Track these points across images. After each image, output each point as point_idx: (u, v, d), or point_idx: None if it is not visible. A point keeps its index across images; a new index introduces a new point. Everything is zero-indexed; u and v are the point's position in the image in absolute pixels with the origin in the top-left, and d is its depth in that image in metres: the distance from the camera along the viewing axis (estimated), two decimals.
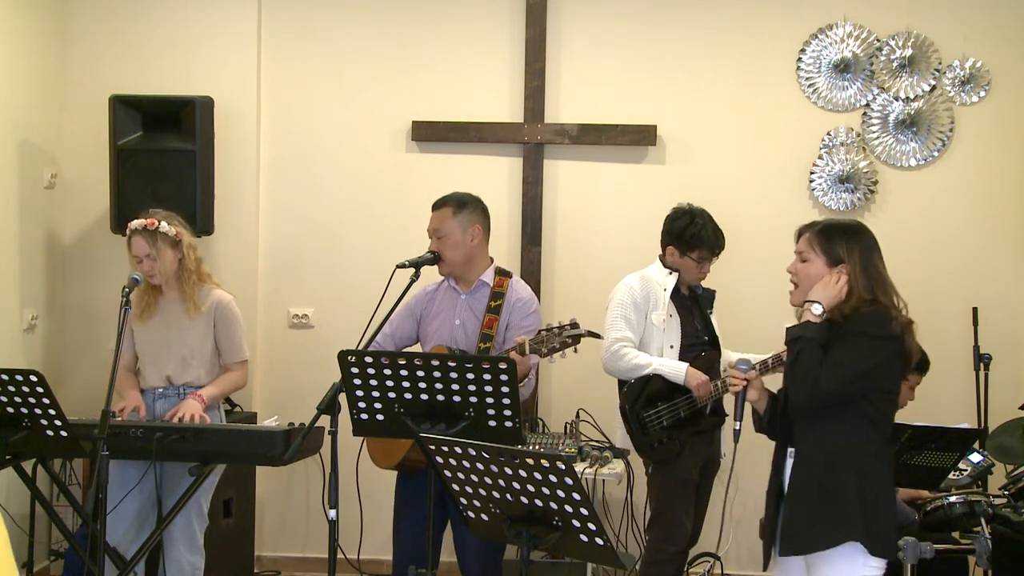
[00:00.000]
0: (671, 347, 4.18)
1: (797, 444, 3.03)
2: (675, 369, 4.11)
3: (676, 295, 4.25)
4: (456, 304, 3.87)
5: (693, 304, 4.34)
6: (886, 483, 3.02)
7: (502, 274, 3.90)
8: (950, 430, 3.81)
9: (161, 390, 4.03)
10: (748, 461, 3.57)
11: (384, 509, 3.92)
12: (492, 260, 3.94)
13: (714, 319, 4.39)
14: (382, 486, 3.98)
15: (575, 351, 3.58)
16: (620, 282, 4.28)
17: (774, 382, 3.27)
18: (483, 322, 3.79)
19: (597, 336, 3.74)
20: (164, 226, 3.96)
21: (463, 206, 3.86)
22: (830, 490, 2.93)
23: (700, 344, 4.27)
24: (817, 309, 2.99)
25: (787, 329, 3.09)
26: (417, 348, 3.95)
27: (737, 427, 3.09)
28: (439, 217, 3.84)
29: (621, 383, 4.22)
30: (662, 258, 4.31)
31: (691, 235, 4.19)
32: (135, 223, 3.99)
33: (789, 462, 3.06)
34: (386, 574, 4.59)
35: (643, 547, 4.51)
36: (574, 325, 3.51)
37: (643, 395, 4.11)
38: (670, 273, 4.25)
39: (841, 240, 3.06)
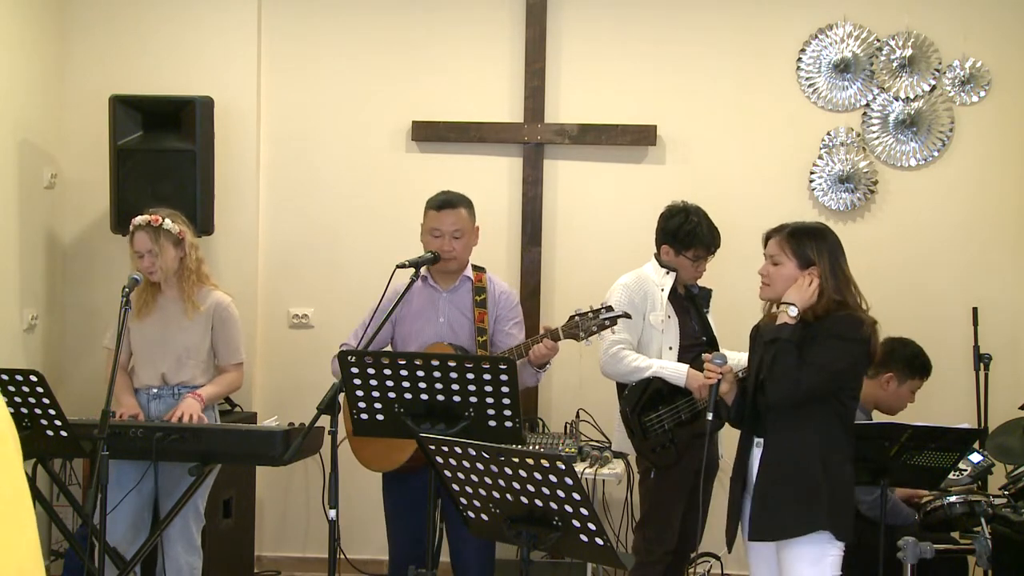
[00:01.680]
0: (670, 348, 4.13)
1: (768, 436, 3.21)
2: (676, 371, 4.07)
3: (673, 295, 4.19)
4: (438, 302, 3.84)
5: (690, 304, 4.29)
6: (850, 474, 3.21)
7: (478, 269, 3.91)
8: (950, 430, 3.81)
9: (156, 390, 4.02)
10: None
11: (381, 508, 3.92)
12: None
13: (711, 318, 4.35)
14: (379, 485, 3.97)
15: (613, 332, 3.75)
16: (616, 282, 4.23)
17: None
18: (475, 317, 3.79)
19: (629, 316, 3.77)
20: (168, 223, 3.97)
21: (470, 205, 3.88)
22: (803, 482, 3.12)
23: (698, 344, 4.22)
24: (793, 311, 3.16)
25: (759, 328, 3.30)
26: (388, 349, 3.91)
27: (709, 417, 3.24)
28: (459, 217, 3.81)
29: (620, 387, 4.16)
30: (657, 257, 4.26)
31: (686, 233, 4.15)
32: (139, 219, 4.00)
33: (756, 452, 3.24)
34: (383, 574, 4.59)
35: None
36: (609, 308, 3.61)
37: (644, 399, 4.06)
38: (667, 273, 4.20)
39: (811, 243, 3.23)
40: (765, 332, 3.22)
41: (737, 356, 4.32)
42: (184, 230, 4.03)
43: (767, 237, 3.35)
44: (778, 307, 3.23)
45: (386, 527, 3.87)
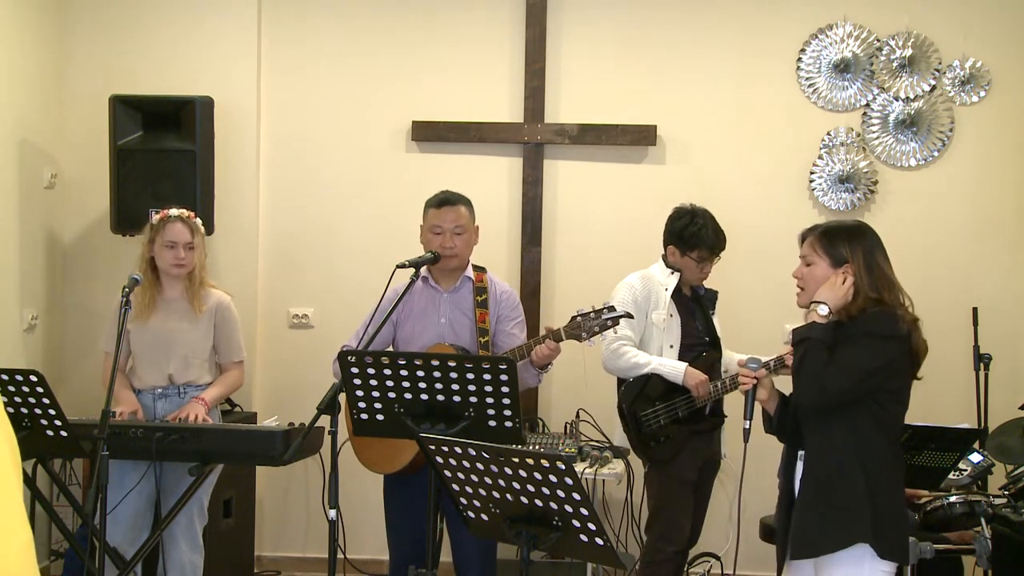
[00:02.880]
0: (671, 347, 4.19)
1: (807, 448, 3.03)
2: (674, 369, 4.11)
3: (678, 295, 4.25)
4: (439, 302, 3.84)
5: (695, 304, 4.34)
6: (895, 485, 3.02)
7: (479, 269, 3.91)
8: (950, 430, 3.81)
9: (161, 390, 4.03)
10: (748, 461, 3.57)
11: (382, 509, 3.92)
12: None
13: (716, 320, 4.39)
14: (379, 486, 3.97)
15: (615, 332, 3.74)
16: (622, 280, 4.29)
17: (785, 384, 3.25)
18: (476, 318, 3.79)
19: (630, 316, 3.77)
20: (200, 222, 4.04)
21: (469, 204, 3.88)
22: (839, 492, 2.93)
23: (701, 344, 4.27)
24: (823, 310, 3.00)
25: (793, 330, 3.11)
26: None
27: (746, 426, 3.09)
28: (460, 214, 3.81)
29: (620, 382, 4.23)
30: (664, 258, 4.31)
31: (691, 234, 4.19)
32: (173, 211, 4.04)
33: (799, 465, 3.05)
34: (384, 574, 4.60)
35: (642, 547, 4.51)
36: (611, 308, 3.60)
37: (641, 394, 4.12)
38: (672, 273, 4.25)
39: (843, 241, 3.07)
40: (795, 332, 3.06)
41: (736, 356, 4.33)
42: (203, 233, 4.12)
43: (802, 238, 3.20)
44: (810, 306, 3.08)
45: (386, 527, 3.87)
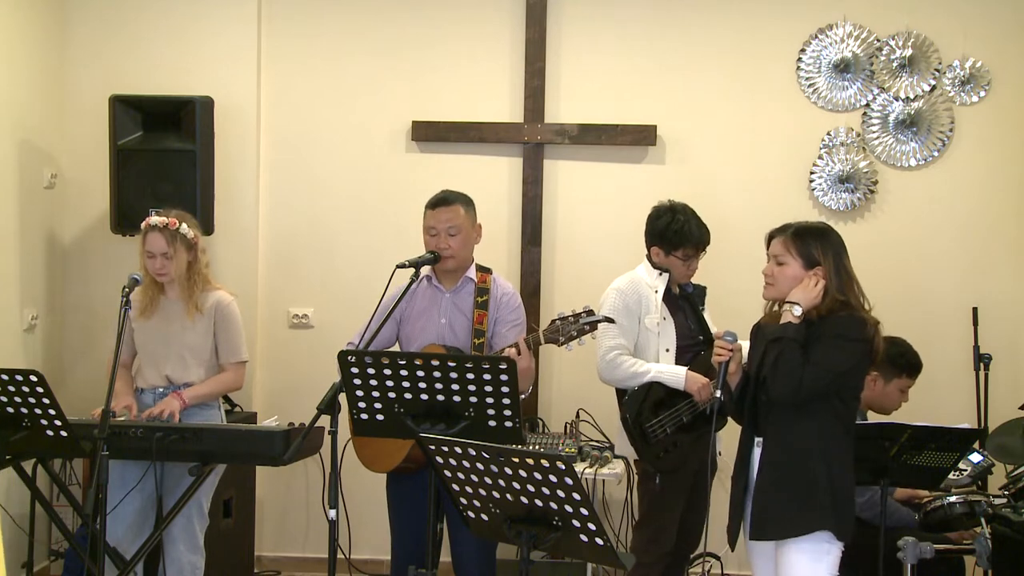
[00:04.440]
0: (667, 350, 4.09)
1: (767, 435, 3.23)
2: (674, 375, 4.03)
3: (667, 295, 4.15)
4: (440, 302, 3.84)
5: (685, 303, 4.26)
6: (850, 473, 3.23)
7: (483, 270, 3.90)
8: (950, 430, 3.81)
9: (162, 389, 4.03)
10: None
11: (384, 509, 3.92)
12: (472, 257, 3.95)
13: (707, 315, 4.32)
14: (382, 486, 3.98)
15: (593, 338, 3.68)
16: (608, 287, 4.19)
17: None
18: (473, 319, 3.79)
19: (611, 321, 3.78)
20: (184, 228, 3.99)
21: (468, 203, 3.87)
22: (803, 481, 3.14)
23: (696, 344, 4.20)
24: (797, 311, 3.19)
25: (760, 326, 3.33)
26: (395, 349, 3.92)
27: (719, 395, 3.26)
28: (455, 214, 3.81)
29: (620, 393, 4.13)
30: (649, 259, 4.23)
31: (674, 232, 4.11)
32: (154, 219, 3.99)
33: (756, 451, 3.25)
34: (385, 574, 4.60)
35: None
36: (589, 312, 3.57)
37: (645, 405, 4.02)
38: (660, 274, 4.16)
39: (815, 243, 3.26)
40: (769, 331, 3.24)
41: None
42: (197, 235, 4.05)
43: (770, 237, 3.36)
44: (781, 306, 3.26)
45: (390, 527, 3.87)
